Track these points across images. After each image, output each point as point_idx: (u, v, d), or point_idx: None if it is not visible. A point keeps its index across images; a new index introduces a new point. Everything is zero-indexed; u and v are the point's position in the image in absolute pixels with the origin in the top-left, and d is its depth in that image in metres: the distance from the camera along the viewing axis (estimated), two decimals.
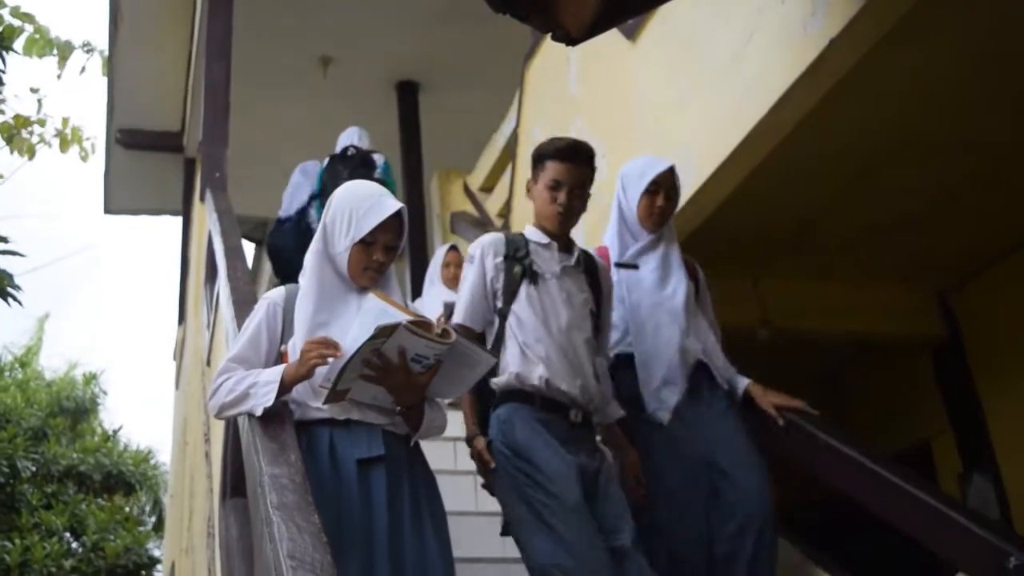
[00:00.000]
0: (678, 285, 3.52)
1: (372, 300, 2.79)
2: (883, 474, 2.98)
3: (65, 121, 7.84)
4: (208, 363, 5.70)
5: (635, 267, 3.57)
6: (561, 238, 3.29)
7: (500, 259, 3.25)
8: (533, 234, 3.29)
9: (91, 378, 14.97)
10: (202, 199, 6.89)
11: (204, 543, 4.86)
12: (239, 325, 3.43)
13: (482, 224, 7.42)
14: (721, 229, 4.43)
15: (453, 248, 6.72)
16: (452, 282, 6.47)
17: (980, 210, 5.21)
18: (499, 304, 3.20)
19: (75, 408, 14.38)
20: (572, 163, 3.22)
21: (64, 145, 7.82)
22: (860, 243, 5.44)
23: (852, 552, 3.89)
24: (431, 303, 6.28)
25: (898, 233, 5.40)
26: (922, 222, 5.29)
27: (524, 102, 6.71)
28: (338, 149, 6.95)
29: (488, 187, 7.75)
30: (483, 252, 3.29)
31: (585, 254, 3.36)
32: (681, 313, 3.46)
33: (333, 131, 9.52)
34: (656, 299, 3.49)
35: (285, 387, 2.70)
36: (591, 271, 3.33)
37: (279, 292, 2.99)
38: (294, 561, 1.93)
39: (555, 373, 3.07)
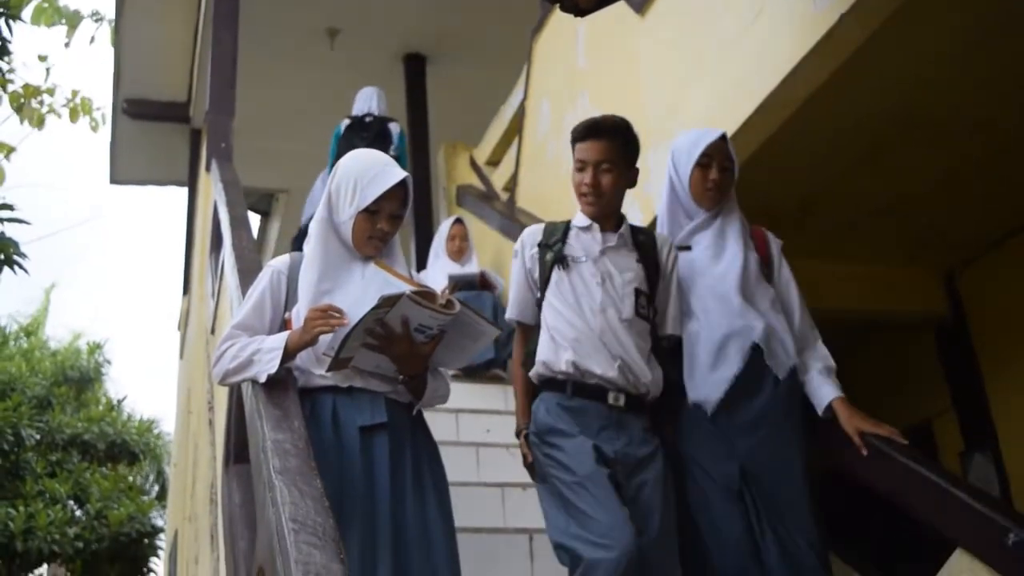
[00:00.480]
0: (732, 261, 3.21)
1: (376, 270, 2.80)
2: (886, 451, 2.97)
3: (75, 92, 7.84)
4: (212, 332, 5.71)
5: (688, 248, 3.29)
6: (605, 219, 3.17)
7: (535, 249, 3.22)
8: (578, 219, 3.22)
9: (95, 348, 15.01)
10: (208, 169, 6.88)
11: (207, 510, 4.89)
12: (244, 294, 3.44)
13: (488, 198, 7.41)
14: None
15: (458, 221, 6.72)
16: (457, 255, 6.49)
17: (987, 190, 5.20)
18: (538, 294, 3.18)
19: (79, 377, 14.42)
20: (591, 140, 3.14)
21: (74, 116, 7.82)
22: (866, 222, 5.44)
23: (846, 527, 3.89)
24: (436, 275, 6.29)
25: (904, 213, 5.38)
26: (928, 202, 5.28)
27: (532, 75, 6.69)
28: (355, 112, 6.91)
29: (494, 160, 7.74)
30: (522, 245, 3.27)
31: (640, 231, 3.23)
32: (732, 292, 3.14)
33: (340, 103, 9.49)
34: (707, 279, 3.21)
35: (289, 354, 2.71)
36: (646, 248, 3.17)
37: (283, 260, 2.99)
38: (296, 524, 1.95)
39: (585, 355, 2.99)
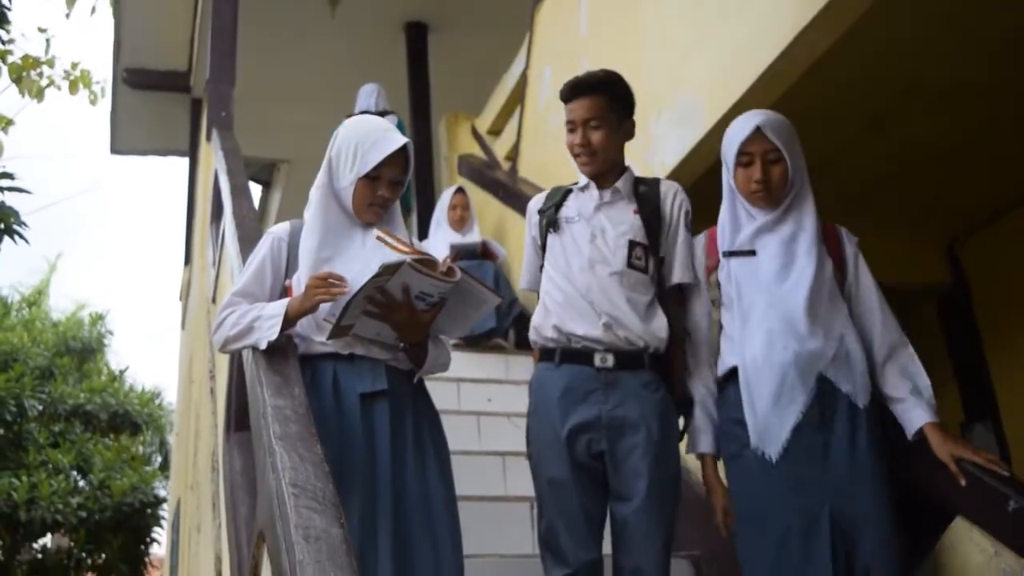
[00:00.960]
0: (803, 273, 2.84)
1: (376, 238, 2.79)
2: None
3: (75, 64, 7.79)
4: (213, 301, 5.71)
5: (751, 253, 2.95)
6: (604, 176, 3.08)
7: (536, 216, 3.19)
8: (580, 180, 3.16)
9: (98, 318, 14.98)
10: (208, 138, 6.86)
11: (209, 478, 4.90)
12: (244, 262, 3.44)
13: (490, 167, 7.39)
14: None
15: (460, 190, 6.70)
16: (458, 224, 6.48)
17: (990, 160, 5.18)
18: (542, 261, 3.16)
19: (82, 348, 14.41)
20: (577, 99, 3.06)
21: (73, 88, 7.76)
22: (868, 193, 5.43)
23: None
24: (438, 245, 6.28)
25: (907, 183, 5.38)
26: (931, 172, 5.27)
27: (534, 44, 6.66)
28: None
29: (496, 130, 7.71)
30: (528, 212, 3.24)
31: (642, 182, 3.11)
32: (801, 312, 2.79)
33: (341, 73, 9.49)
34: (772, 296, 2.85)
35: (289, 321, 2.70)
36: (647, 198, 3.06)
37: (283, 227, 2.97)
38: (296, 489, 1.95)
39: (568, 318, 2.95)
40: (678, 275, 3.02)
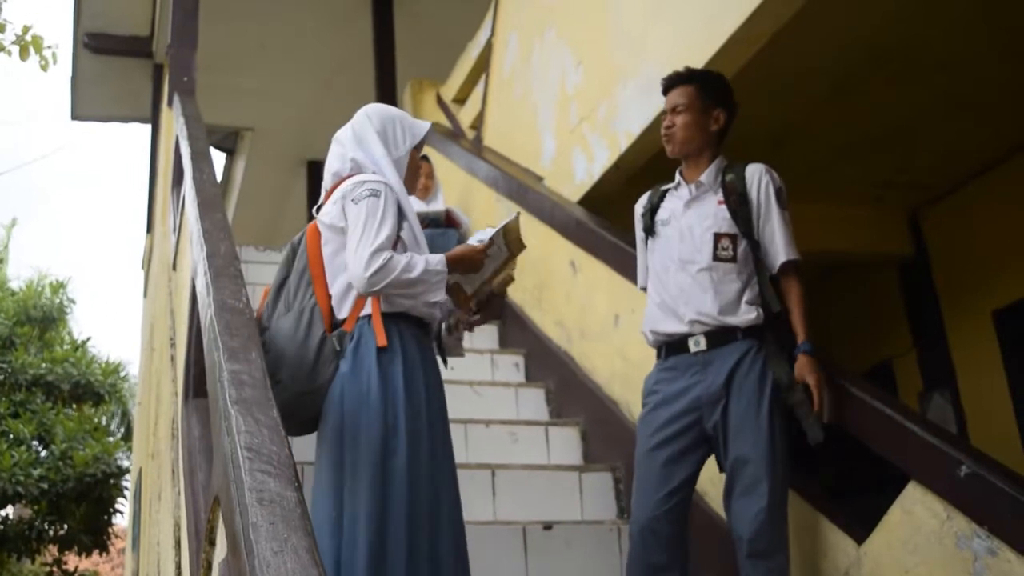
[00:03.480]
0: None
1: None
2: (843, 384, 3.00)
3: (26, 28, 7.62)
4: (174, 267, 5.66)
5: None
6: (691, 164, 3.25)
7: (639, 220, 3.38)
8: (675, 178, 3.31)
9: (59, 287, 14.81)
10: (170, 104, 6.78)
11: (169, 446, 4.87)
12: (204, 227, 3.40)
13: (455, 136, 7.35)
14: None
15: (424, 158, 6.65)
16: (423, 193, 6.43)
17: (952, 131, 5.22)
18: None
19: (43, 317, 14.23)
20: (666, 93, 3.29)
21: (24, 54, 7.59)
22: (831, 163, 5.46)
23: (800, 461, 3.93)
24: None
25: (870, 153, 5.41)
26: (894, 142, 5.30)
27: (499, 11, 6.61)
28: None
29: (461, 98, 7.67)
30: (635, 215, 3.40)
31: (729, 170, 3.22)
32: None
33: (305, 40, 9.39)
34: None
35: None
36: (732, 186, 3.18)
37: (385, 178, 2.96)
38: (251, 453, 1.93)
39: (659, 320, 3.17)
40: (783, 254, 3.14)
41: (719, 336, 3.05)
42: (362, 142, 3.01)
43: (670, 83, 3.29)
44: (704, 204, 3.19)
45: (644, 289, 3.37)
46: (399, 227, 2.86)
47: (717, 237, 3.11)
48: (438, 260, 2.81)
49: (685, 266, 3.12)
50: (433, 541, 2.69)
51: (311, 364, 2.77)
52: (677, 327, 3.10)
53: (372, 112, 3.08)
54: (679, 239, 3.17)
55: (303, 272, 2.91)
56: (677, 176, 3.29)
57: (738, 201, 3.14)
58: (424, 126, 3.10)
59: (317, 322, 2.81)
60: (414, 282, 2.75)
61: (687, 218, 3.18)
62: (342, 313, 2.84)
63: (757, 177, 3.17)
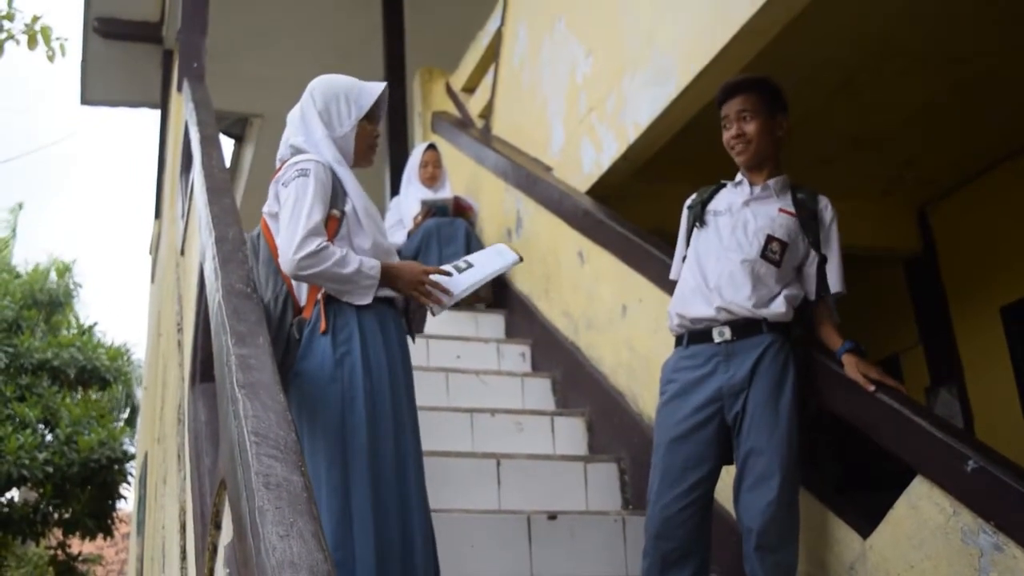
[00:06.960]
0: None
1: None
2: (847, 378, 3.00)
3: (35, 18, 7.61)
4: (182, 253, 5.66)
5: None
6: (758, 170, 3.23)
7: (686, 211, 3.37)
8: (737, 177, 3.32)
9: (65, 269, 14.82)
10: (179, 90, 6.77)
11: (175, 431, 4.88)
12: (212, 212, 3.40)
13: (463, 125, 7.34)
14: (699, 140, 4.38)
15: (431, 147, 6.65)
16: (430, 181, 6.43)
17: (961, 126, 5.20)
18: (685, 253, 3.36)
19: (49, 300, 14.26)
20: (727, 101, 3.24)
21: (32, 43, 7.58)
22: (840, 156, 5.44)
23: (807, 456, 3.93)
24: (409, 201, 6.25)
25: (879, 147, 5.39)
26: (903, 136, 5.28)
27: (509, 1, 6.59)
28: None
29: (471, 87, 7.65)
30: (684, 211, 3.40)
31: (799, 190, 3.25)
32: None
33: (315, 27, 9.38)
34: None
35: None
36: (803, 203, 3.21)
37: (314, 157, 2.93)
38: (258, 437, 1.93)
39: (690, 303, 3.15)
40: (836, 285, 3.20)
41: (745, 327, 3.06)
42: (305, 124, 3.02)
43: (734, 90, 3.25)
44: (765, 206, 3.20)
45: (674, 281, 3.37)
46: (340, 203, 2.87)
47: (769, 239, 3.13)
48: (373, 266, 2.81)
49: (730, 254, 3.13)
50: (405, 519, 2.71)
51: (284, 350, 2.82)
52: (705, 311, 3.10)
53: (316, 89, 3.04)
54: (731, 230, 3.18)
55: (268, 261, 2.93)
56: (739, 175, 3.28)
57: (808, 216, 3.19)
58: (373, 91, 3.02)
59: (289, 309, 2.87)
60: (343, 279, 2.76)
61: (745, 214, 3.19)
62: (302, 300, 2.87)
63: (825, 204, 3.24)
